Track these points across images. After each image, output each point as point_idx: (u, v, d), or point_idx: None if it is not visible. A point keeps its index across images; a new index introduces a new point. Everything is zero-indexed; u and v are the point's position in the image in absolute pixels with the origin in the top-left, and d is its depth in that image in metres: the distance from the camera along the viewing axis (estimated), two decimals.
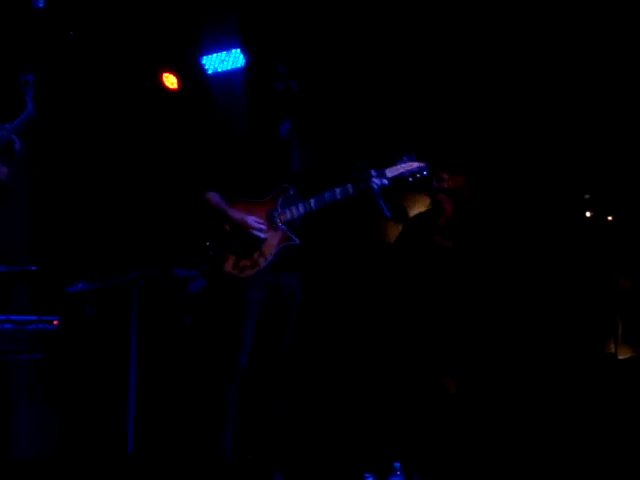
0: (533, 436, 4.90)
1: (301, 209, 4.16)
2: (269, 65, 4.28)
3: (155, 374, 5.37)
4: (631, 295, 5.88)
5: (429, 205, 5.34)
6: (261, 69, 4.31)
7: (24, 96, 4.60)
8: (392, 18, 5.92)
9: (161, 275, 5.48)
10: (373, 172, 4.07)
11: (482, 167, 5.57)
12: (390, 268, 5.35)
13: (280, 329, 4.21)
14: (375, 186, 4.05)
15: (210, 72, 6.61)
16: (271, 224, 4.17)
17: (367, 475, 4.07)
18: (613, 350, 5.83)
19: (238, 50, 6.50)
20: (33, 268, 5.21)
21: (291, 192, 4.21)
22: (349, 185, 4.10)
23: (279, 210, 4.18)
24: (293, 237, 4.17)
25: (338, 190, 4.12)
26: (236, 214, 4.16)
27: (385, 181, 4.10)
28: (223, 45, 6.52)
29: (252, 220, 4.14)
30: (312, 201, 4.15)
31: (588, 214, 5.92)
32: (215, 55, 6.58)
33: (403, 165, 4.16)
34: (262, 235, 4.13)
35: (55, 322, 5.03)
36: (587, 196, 5.87)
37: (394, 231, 5.46)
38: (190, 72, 6.70)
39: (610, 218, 5.88)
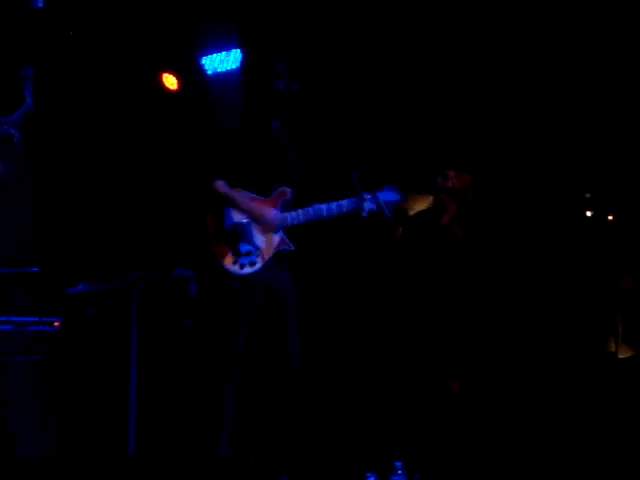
0: (535, 436, 4.90)
1: (301, 217, 4.17)
2: (269, 64, 4.27)
3: (156, 376, 5.36)
4: (632, 295, 5.87)
5: (430, 204, 5.33)
6: (261, 68, 4.30)
7: (23, 91, 4.61)
8: (394, 15, 5.92)
9: (161, 276, 5.48)
10: (365, 195, 4.10)
11: (485, 166, 5.57)
12: (392, 267, 5.35)
13: (284, 333, 4.19)
14: (364, 213, 4.11)
15: (210, 72, 6.61)
16: (271, 226, 4.17)
17: (369, 475, 4.06)
18: (613, 349, 5.83)
19: (238, 50, 6.49)
20: (34, 269, 5.21)
21: (290, 196, 4.21)
22: (345, 202, 4.14)
23: (280, 214, 4.18)
24: (289, 243, 4.18)
25: (334, 206, 4.15)
26: (245, 199, 4.15)
27: (374, 206, 4.14)
28: (223, 45, 6.52)
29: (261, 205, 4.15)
30: (311, 211, 4.17)
31: (589, 213, 5.91)
32: (215, 55, 6.58)
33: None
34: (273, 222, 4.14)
35: (56, 323, 5.03)
36: (588, 195, 5.87)
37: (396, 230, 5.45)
38: (190, 72, 6.69)
39: (611, 217, 5.88)
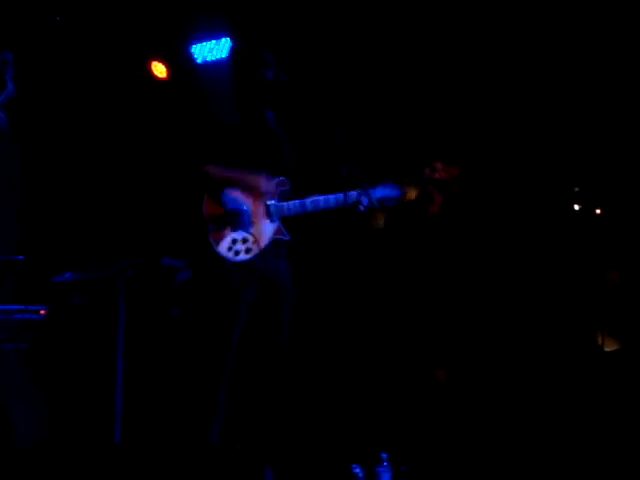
0: (521, 428, 4.91)
1: (299, 208, 4.16)
2: (258, 53, 4.26)
3: (143, 365, 5.35)
4: (618, 288, 5.89)
5: (417, 195, 5.33)
6: (250, 57, 4.29)
7: (3, 75, 4.58)
8: (382, 6, 5.91)
9: (149, 265, 5.46)
10: (364, 189, 4.10)
11: (473, 158, 5.58)
12: (378, 257, 5.35)
13: (276, 323, 4.19)
14: (362, 208, 4.11)
15: (199, 61, 6.58)
16: (268, 214, 4.17)
17: (354, 466, 4.07)
18: (600, 343, 5.84)
19: (227, 39, 6.46)
20: (20, 258, 5.18)
21: (287, 187, 4.21)
22: (341, 195, 4.13)
23: (277, 203, 4.17)
24: (285, 232, 4.17)
25: (332, 198, 4.15)
26: (238, 172, 4.14)
27: (368, 201, 4.13)
28: (212, 33, 6.49)
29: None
30: (308, 203, 4.16)
31: (577, 207, 5.92)
32: (204, 44, 6.55)
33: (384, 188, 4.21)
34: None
35: (42, 312, 5.01)
36: (576, 189, 5.87)
37: (381, 220, 5.45)
38: (179, 61, 6.66)
39: (599, 211, 5.89)
